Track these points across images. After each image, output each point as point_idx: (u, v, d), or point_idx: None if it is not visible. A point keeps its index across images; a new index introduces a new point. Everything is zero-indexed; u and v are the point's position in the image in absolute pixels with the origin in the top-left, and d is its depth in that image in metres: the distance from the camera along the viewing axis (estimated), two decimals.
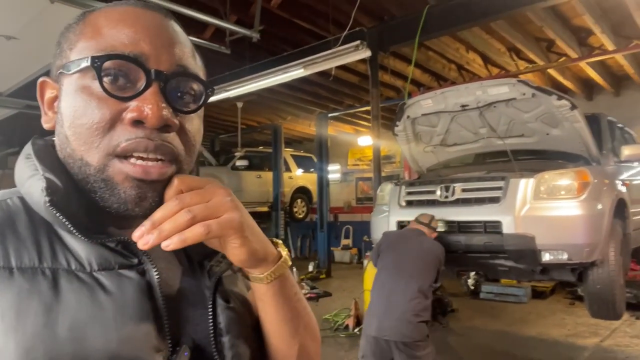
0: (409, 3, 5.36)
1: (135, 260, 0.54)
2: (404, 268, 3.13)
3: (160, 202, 0.55)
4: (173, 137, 0.54)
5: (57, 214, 0.49)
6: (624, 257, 3.79)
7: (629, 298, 5.56)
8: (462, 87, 4.05)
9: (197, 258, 0.64)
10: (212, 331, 0.58)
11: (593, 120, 4.25)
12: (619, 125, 4.98)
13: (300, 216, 11.72)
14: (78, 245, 0.51)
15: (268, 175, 10.75)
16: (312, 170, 11.50)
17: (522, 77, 5.77)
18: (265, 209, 10.77)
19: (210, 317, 0.59)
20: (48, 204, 0.49)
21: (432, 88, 7.25)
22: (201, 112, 0.60)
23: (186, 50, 0.58)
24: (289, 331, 0.63)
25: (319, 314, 3.62)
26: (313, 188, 11.27)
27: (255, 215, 10.55)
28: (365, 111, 8.96)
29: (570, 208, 3.32)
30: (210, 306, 0.59)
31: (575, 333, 5.32)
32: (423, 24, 4.97)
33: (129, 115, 0.51)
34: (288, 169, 11.26)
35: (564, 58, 6.80)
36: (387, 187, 4.44)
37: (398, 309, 2.98)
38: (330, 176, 11.10)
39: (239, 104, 8.53)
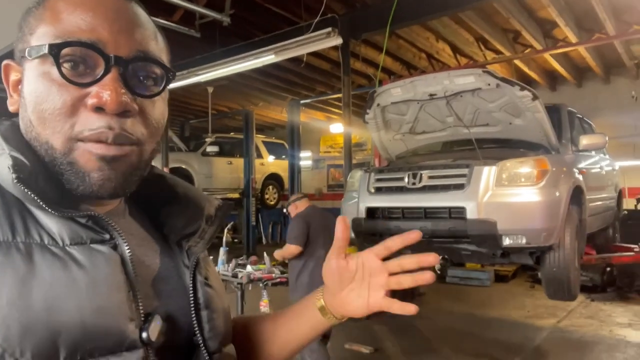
0: None
1: (107, 236, 0.55)
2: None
3: (124, 183, 0.57)
4: (133, 123, 0.56)
5: (26, 190, 0.51)
6: (579, 241, 3.98)
7: (585, 281, 5.84)
8: (430, 76, 4.13)
9: (175, 238, 0.67)
10: (192, 304, 0.61)
11: (553, 111, 4.41)
12: (579, 115, 5.18)
13: (272, 203, 11.73)
14: (49, 221, 0.53)
15: (239, 162, 10.67)
16: (283, 157, 11.48)
17: (489, 67, 5.90)
18: (236, 195, 10.72)
19: (192, 292, 0.62)
20: (16, 181, 0.50)
21: (402, 76, 7.34)
22: (165, 94, 0.61)
23: (147, 33, 0.59)
24: (295, 350, 0.78)
25: (290, 297, 3.72)
26: (284, 175, 11.27)
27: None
28: (337, 98, 8.99)
29: (529, 195, 3.46)
30: (191, 282, 0.63)
31: (534, 314, 5.58)
32: (394, 12, 5.01)
33: (89, 102, 0.53)
34: (259, 156, 11.21)
35: (529, 49, 6.98)
36: (357, 174, 4.50)
37: None
38: (302, 163, 11.13)
39: (210, 89, 8.42)
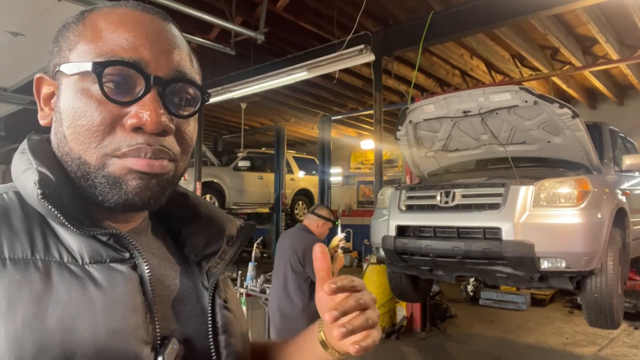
0: (414, 8, 5.38)
1: (127, 255, 0.55)
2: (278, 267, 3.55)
3: (159, 195, 0.57)
4: (170, 140, 0.57)
5: (49, 206, 0.51)
6: (622, 266, 3.78)
7: (628, 308, 5.55)
8: (464, 93, 4.05)
9: (195, 259, 0.66)
10: (210, 329, 0.60)
11: (594, 129, 4.25)
12: (621, 134, 4.97)
13: (301, 218, 11.72)
14: (70, 238, 0.52)
15: (270, 177, 10.75)
16: (314, 172, 11.50)
17: (525, 84, 5.77)
18: (266, 210, 10.78)
19: (210, 315, 0.61)
20: (40, 197, 0.50)
21: (435, 93, 7.26)
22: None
23: (184, 55, 0.60)
24: None
25: None
26: (315, 190, 11.27)
27: (256, 216, 10.64)
28: (368, 115, 8.96)
29: (569, 216, 3.31)
30: (210, 305, 0.61)
31: (573, 342, 5.32)
32: (428, 29, 4.98)
33: (129, 122, 0.54)
34: (290, 171, 11.27)
35: (568, 66, 6.80)
36: (388, 191, 4.44)
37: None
38: (332, 179, 11.11)
39: (243, 105, 8.56)
